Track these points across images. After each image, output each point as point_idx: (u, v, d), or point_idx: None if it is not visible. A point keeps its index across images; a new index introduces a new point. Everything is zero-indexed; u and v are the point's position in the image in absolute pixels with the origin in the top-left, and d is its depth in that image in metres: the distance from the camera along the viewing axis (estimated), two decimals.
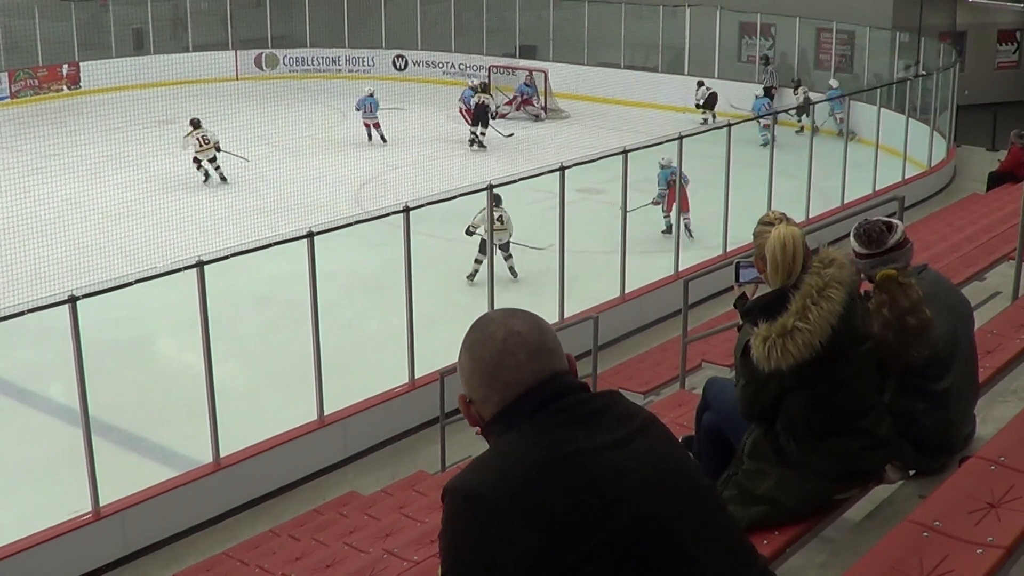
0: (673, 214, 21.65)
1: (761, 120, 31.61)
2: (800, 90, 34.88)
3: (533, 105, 37.20)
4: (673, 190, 22.66)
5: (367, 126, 33.37)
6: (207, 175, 28.77)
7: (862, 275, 5.73)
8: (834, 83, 34.58)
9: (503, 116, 36.60)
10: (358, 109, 33.43)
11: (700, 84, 36.77)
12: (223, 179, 28.71)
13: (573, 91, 38.28)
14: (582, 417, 2.95)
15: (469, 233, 20.82)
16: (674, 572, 2.88)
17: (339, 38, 44.08)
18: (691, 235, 22.64)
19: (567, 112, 37.25)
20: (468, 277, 20.91)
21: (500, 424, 2.99)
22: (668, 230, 22.96)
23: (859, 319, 5.14)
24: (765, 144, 29.20)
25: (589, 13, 40.43)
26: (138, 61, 39.70)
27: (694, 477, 3.09)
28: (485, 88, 33.68)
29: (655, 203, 23.13)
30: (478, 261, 20.71)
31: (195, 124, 28.83)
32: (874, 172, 25.55)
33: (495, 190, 19.18)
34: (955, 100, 30.72)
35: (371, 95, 33.23)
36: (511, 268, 20.97)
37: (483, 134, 32.98)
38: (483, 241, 20.14)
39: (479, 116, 33.04)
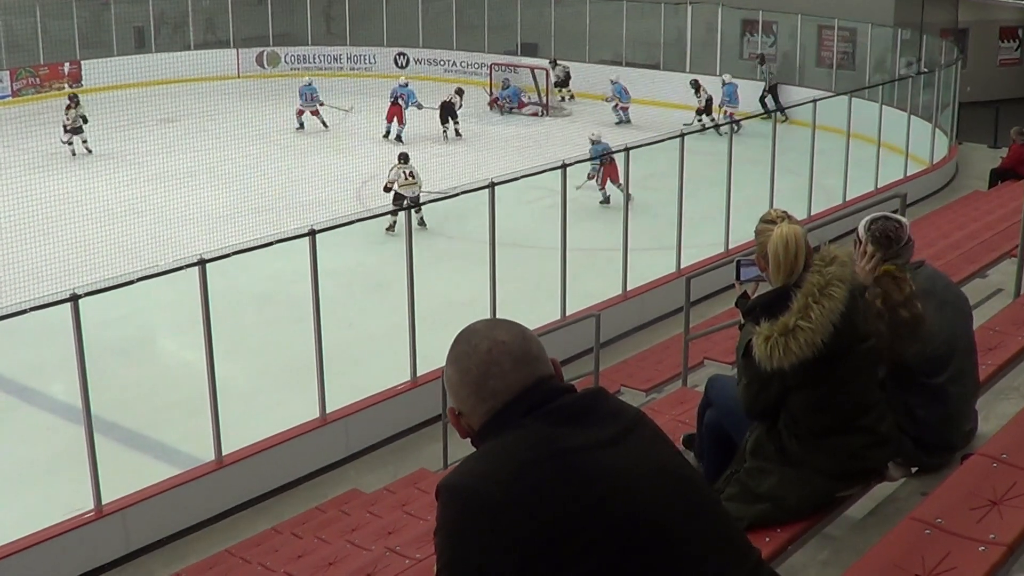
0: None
1: (617, 102, 35.40)
2: (702, 91, 35.11)
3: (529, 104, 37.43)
4: (609, 166, 24.77)
5: (300, 112, 34.70)
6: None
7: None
8: (727, 77, 35.15)
9: (522, 107, 36.99)
10: (301, 97, 34.84)
11: (554, 63, 38.75)
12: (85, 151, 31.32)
13: (575, 88, 38.25)
14: (571, 417, 2.98)
15: (387, 189, 23.77)
16: (667, 567, 2.89)
17: (340, 36, 44.08)
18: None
19: (568, 109, 37.26)
20: (387, 230, 22.64)
21: (489, 432, 3.02)
22: (605, 200, 25.18)
23: (860, 317, 5.14)
24: (619, 123, 34.91)
25: (590, 10, 40.40)
26: (140, 59, 39.70)
27: (685, 472, 3.10)
28: (461, 92, 34.97)
29: (590, 177, 25.31)
30: (393, 214, 22.66)
31: (74, 100, 31.85)
32: (876, 169, 25.52)
33: (406, 151, 25.18)
34: (957, 97, 30.70)
35: (310, 84, 34.88)
36: (421, 219, 22.84)
37: (457, 130, 34.23)
38: (396, 195, 23.48)
39: (447, 112, 34.10)
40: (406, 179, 23.90)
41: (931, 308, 5.46)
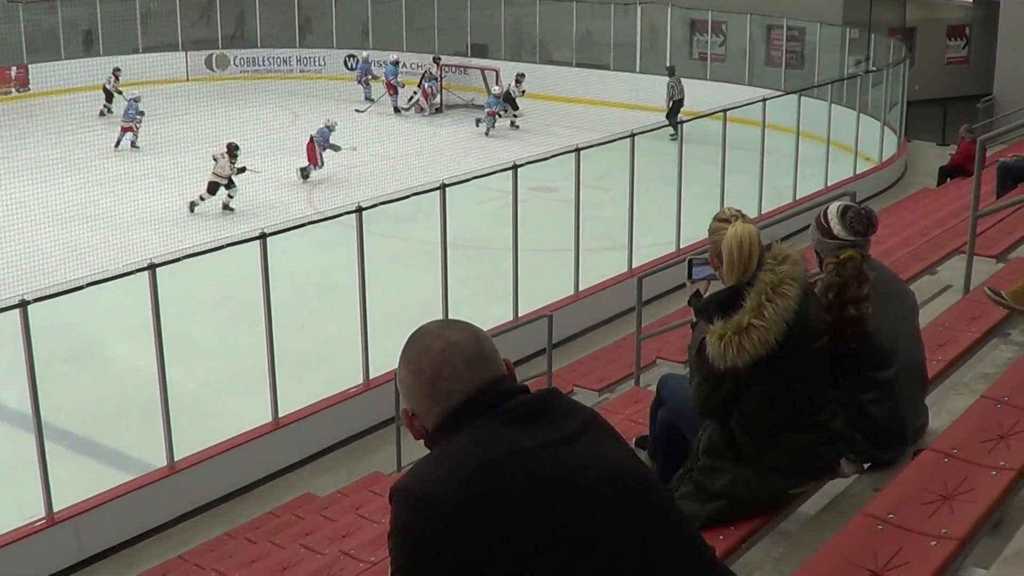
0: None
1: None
2: (501, 84, 36.00)
3: (427, 97, 37.90)
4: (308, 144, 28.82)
5: (125, 130, 32.50)
6: None
7: (817, 253, 5.75)
8: (392, 55, 37.91)
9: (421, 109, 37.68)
10: (126, 115, 32.81)
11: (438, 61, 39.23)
12: None
13: (525, 89, 38.21)
14: (524, 418, 2.97)
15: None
16: (621, 566, 2.90)
17: (290, 38, 43.95)
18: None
19: (519, 110, 37.22)
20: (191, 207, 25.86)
21: (443, 433, 3.01)
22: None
23: (813, 315, 5.16)
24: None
25: (540, 11, 40.44)
26: (88, 62, 39.36)
27: (638, 472, 3.11)
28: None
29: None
30: (203, 199, 25.94)
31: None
32: (826, 168, 25.68)
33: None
34: (905, 95, 30.91)
35: (136, 99, 32.45)
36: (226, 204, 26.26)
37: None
38: (211, 183, 25.93)
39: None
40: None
41: (875, 301, 5.48)
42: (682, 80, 34.13)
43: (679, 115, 31.59)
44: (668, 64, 35.78)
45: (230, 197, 26.17)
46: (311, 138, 29.62)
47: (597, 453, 2.98)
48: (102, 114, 35.96)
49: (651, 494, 3.07)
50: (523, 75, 36.64)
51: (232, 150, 26.14)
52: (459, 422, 2.98)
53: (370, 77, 39.14)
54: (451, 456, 2.92)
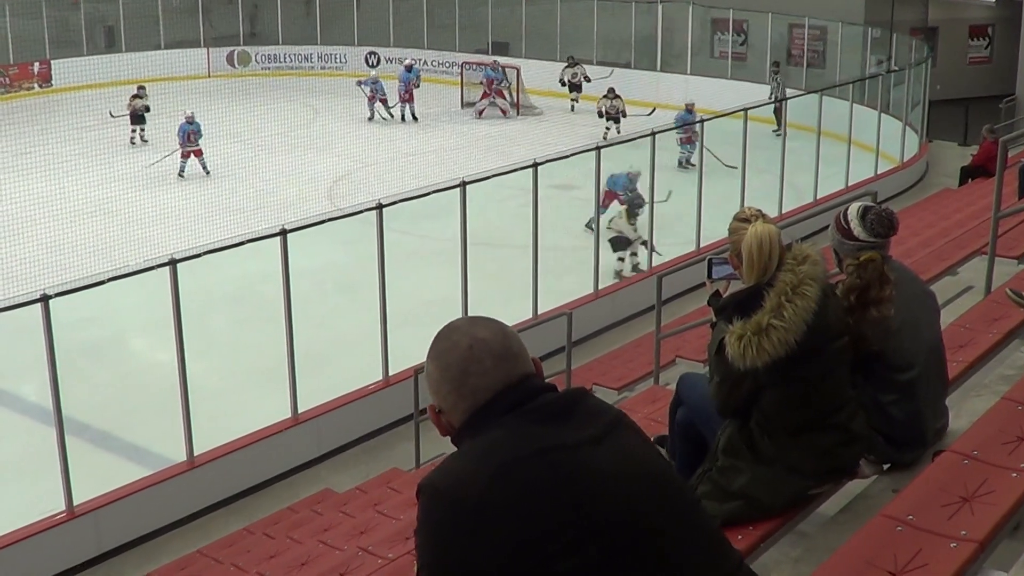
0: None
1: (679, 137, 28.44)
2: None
3: (504, 97, 37.19)
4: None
5: (186, 155, 29.31)
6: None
7: (836, 254, 5.73)
8: (406, 60, 37.25)
9: (480, 112, 36.65)
10: (181, 135, 29.50)
11: (572, 61, 38.28)
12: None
13: (546, 88, 38.19)
14: (552, 416, 2.96)
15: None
16: (649, 567, 2.89)
17: (311, 35, 44.00)
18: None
19: (540, 108, 37.24)
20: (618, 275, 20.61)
21: (471, 430, 3.01)
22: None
23: (833, 316, 5.14)
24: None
25: (561, 9, 40.42)
26: (110, 59, 39.52)
27: (665, 472, 3.10)
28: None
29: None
30: (621, 260, 20.57)
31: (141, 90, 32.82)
32: (847, 167, 25.62)
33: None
34: (927, 95, 30.82)
35: (189, 120, 29.24)
36: (635, 265, 20.87)
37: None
38: (617, 238, 20.45)
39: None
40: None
41: (897, 303, 5.45)
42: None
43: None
44: (772, 61, 35.68)
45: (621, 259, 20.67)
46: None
47: (625, 453, 2.98)
48: (134, 143, 32.46)
49: (679, 495, 3.06)
50: (613, 90, 33.82)
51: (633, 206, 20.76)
52: (486, 419, 2.97)
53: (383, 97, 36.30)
54: (478, 453, 2.92)
